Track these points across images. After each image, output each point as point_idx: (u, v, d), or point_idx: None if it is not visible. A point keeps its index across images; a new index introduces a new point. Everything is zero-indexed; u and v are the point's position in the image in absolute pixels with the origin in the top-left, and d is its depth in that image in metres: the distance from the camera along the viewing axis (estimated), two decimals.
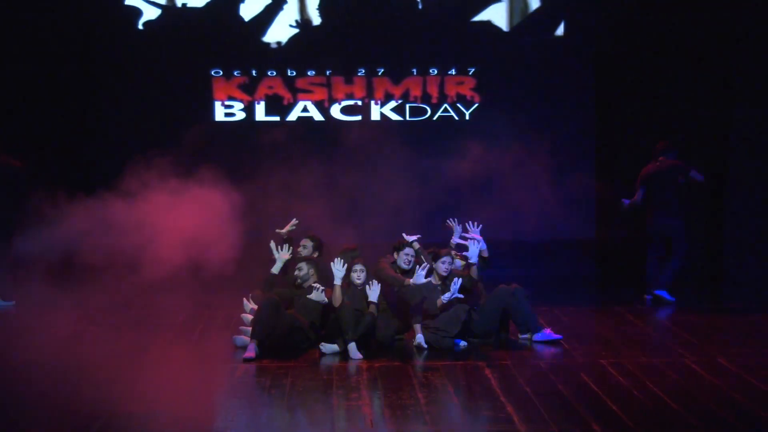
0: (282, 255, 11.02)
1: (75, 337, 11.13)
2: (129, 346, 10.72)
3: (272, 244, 11.30)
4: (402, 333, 10.88)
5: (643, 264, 12.97)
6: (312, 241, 11.41)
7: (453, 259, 10.88)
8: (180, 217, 12.88)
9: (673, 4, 14.55)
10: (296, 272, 10.83)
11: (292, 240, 11.50)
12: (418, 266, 10.61)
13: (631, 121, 14.76)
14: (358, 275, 10.68)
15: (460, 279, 10.45)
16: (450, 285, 10.46)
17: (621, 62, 14.75)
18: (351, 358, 10.12)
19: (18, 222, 12.59)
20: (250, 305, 11.00)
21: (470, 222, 11.23)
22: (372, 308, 10.41)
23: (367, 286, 10.47)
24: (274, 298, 10.45)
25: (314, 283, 10.65)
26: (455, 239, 11.39)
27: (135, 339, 11.02)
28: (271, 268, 11.08)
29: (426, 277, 10.48)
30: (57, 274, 12.64)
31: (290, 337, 10.37)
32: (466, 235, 11.10)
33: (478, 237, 11.01)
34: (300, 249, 11.27)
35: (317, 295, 10.49)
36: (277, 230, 11.57)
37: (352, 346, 10.19)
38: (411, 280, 10.47)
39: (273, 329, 10.26)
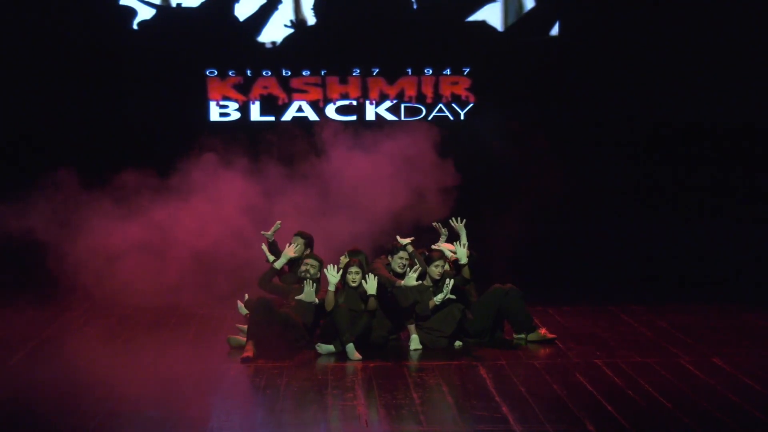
0: (288, 251, 11.04)
1: (70, 336, 11.13)
2: (123, 346, 10.72)
3: (264, 247, 11.32)
4: (395, 333, 10.89)
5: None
6: (303, 238, 11.40)
7: (445, 261, 10.88)
8: (175, 217, 12.89)
9: (669, 4, 14.57)
10: (306, 267, 10.80)
11: (277, 243, 11.52)
12: (409, 269, 10.62)
13: (627, 122, 14.77)
14: (354, 277, 10.69)
15: (452, 280, 10.46)
16: (442, 286, 10.46)
17: (616, 63, 14.75)
18: (349, 359, 10.13)
19: None
20: (244, 309, 11.01)
21: (455, 218, 11.27)
22: (372, 301, 10.42)
23: (363, 281, 10.48)
24: (266, 299, 10.48)
25: (312, 283, 10.65)
26: (441, 242, 11.39)
27: (130, 339, 11.02)
28: (274, 263, 11.08)
29: (417, 280, 10.48)
30: (51, 272, 12.61)
31: (286, 335, 10.38)
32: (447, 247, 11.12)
33: (463, 234, 11.08)
34: (292, 245, 11.27)
35: (308, 293, 10.51)
36: (263, 232, 11.58)
37: (350, 347, 10.20)
38: (402, 282, 10.48)
39: (268, 328, 10.28)
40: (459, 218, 11.30)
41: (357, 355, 10.15)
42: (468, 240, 11.14)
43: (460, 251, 10.79)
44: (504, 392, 8.97)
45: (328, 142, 13.45)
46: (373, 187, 13.05)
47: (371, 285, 10.45)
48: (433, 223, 11.58)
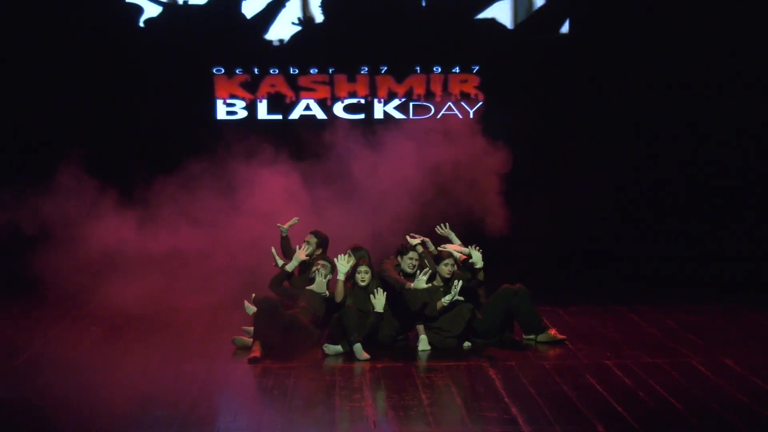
0: (299, 254, 11.09)
1: (75, 336, 11.16)
2: (129, 346, 10.75)
3: (273, 251, 11.36)
4: (404, 333, 10.91)
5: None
6: (316, 237, 11.44)
7: (454, 261, 10.90)
8: (181, 216, 12.92)
9: (681, 1, 14.58)
10: (317, 268, 10.85)
11: (289, 239, 11.58)
12: (419, 270, 10.62)
13: (637, 121, 14.78)
14: (363, 276, 10.72)
15: (461, 281, 10.46)
16: (452, 287, 10.46)
17: (627, 60, 14.76)
18: (357, 359, 10.16)
19: None
20: (251, 308, 11.05)
21: (441, 224, 11.32)
22: (376, 316, 10.45)
23: (372, 295, 10.47)
24: (273, 300, 10.52)
25: (325, 275, 10.73)
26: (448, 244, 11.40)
27: (136, 339, 11.05)
28: (286, 265, 11.13)
29: (427, 282, 10.46)
30: (56, 272, 12.64)
31: (292, 336, 10.41)
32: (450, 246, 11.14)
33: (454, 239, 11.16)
34: (303, 245, 11.30)
35: (319, 284, 10.58)
36: (278, 225, 11.63)
37: (358, 347, 10.22)
38: (412, 285, 10.47)
39: (274, 329, 10.31)
40: (444, 224, 11.34)
41: (365, 355, 10.18)
42: (461, 240, 11.25)
43: (476, 255, 10.77)
44: (513, 393, 9.00)
45: (347, 140, 13.50)
46: (394, 186, 13.12)
47: (379, 301, 10.46)
48: (421, 242, 11.45)
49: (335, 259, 10.63)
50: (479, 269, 10.79)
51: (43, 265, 12.55)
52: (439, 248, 11.14)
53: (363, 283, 10.69)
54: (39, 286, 12.60)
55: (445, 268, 10.80)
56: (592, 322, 11.77)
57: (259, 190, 12.99)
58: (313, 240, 11.39)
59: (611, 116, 14.77)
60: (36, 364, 10.03)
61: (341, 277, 10.53)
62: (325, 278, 10.72)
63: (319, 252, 11.37)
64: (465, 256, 10.92)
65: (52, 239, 12.65)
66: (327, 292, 10.66)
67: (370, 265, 10.82)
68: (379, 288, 10.50)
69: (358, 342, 10.23)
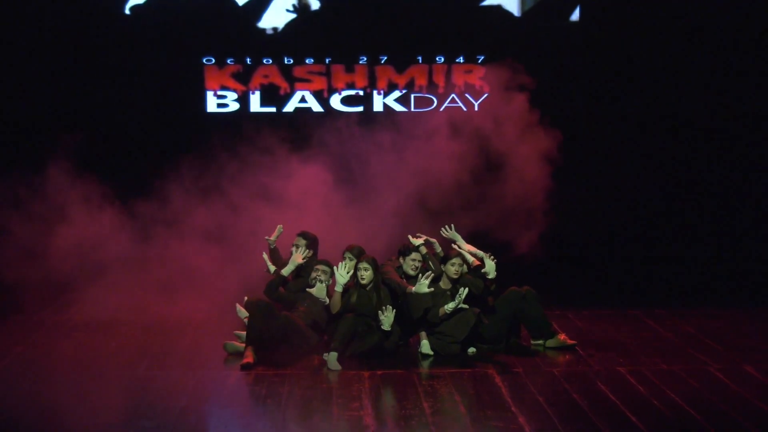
0: (296, 258, 11.07)
1: (56, 343, 11.15)
2: (116, 353, 10.74)
3: (265, 256, 11.35)
4: (405, 339, 10.89)
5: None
6: (305, 238, 11.41)
7: (463, 261, 10.86)
8: (168, 215, 12.92)
9: None
10: (316, 274, 10.84)
11: (278, 250, 11.58)
12: (421, 274, 10.57)
13: (650, 114, 14.78)
14: (362, 274, 10.65)
15: (467, 289, 10.41)
16: (458, 293, 10.40)
17: (639, 49, 14.75)
18: (329, 368, 10.10)
19: None
20: (244, 311, 11.03)
21: (445, 227, 11.26)
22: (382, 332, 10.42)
23: (380, 312, 10.41)
24: (266, 301, 10.51)
25: (324, 281, 10.71)
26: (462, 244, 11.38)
27: (123, 346, 11.04)
28: (281, 270, 11.13)
29: (430, 286, 10.40)
30: (36, 274, 12.64)
31: (287, 340, 10.40)
32: (459, 245, 11.10)
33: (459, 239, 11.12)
34: (292, 248, 11.28)
35: (319, 289, 10.56)
36: (266, 237, 11.64)
37: (333, 356, 10.12)
38: (413, 289, 10.42)
39: (267, 332, 10.29)
40: (449, 225, 11.29)
41: (337, 365, 10.11)
42: (467, 240, 11.24)
43: (489, 264, 10.71)
44: (520, 402, 8.99)
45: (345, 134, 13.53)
46: (395, 184, 13.13)
47: (387, 319, 10.40)
48: (425, 242, 11.38)
49: (335, 268, 10.57)
50: (492, 280, 10.74)
51: (25, 268, 12.56)
52: (453, 245, 11.08)
53: (363, 281, 10.63)
54: (20, 289, 12.60)
55: (452, 268, 10.76)
56: (605, 327, 11.78)
57: (251, 188, 13.00)
58: (302, 242, 11.37)
59: (625, 109, 14.77)
60: (16, 372, 10.01)
61: (339, 288, 10.48)
62: (325, 283, 10.70)
63: (309, 254, 11.34)
64: (478, 262, 10.88)
65: (32, 238, 12.65)
66: (327, 299, 10.63)
67: (371, 262, 10.72)
68: (389, 305, 10.41)
69: (335, 351, 10.15)
